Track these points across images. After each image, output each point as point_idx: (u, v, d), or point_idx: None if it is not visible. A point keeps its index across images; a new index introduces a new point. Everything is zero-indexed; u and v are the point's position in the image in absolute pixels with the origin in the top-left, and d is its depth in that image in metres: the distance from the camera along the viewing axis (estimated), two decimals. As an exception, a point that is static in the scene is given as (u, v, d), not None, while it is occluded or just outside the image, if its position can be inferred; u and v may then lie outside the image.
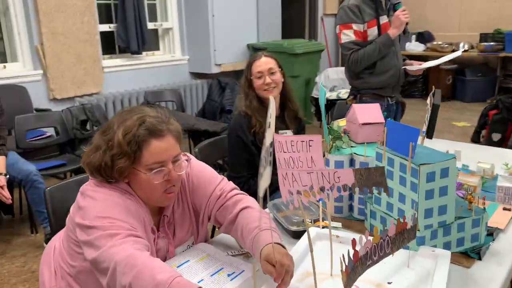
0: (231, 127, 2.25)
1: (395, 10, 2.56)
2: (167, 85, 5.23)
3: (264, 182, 0.97)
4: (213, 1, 5.25)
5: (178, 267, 1.31)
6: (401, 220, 1.15)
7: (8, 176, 2.91)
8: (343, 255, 0.97)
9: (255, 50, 5.65)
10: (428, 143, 1.61)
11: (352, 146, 1.65)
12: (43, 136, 3.71)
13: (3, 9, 4.16)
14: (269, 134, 0.94)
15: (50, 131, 3.80)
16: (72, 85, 4.46)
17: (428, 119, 1.58)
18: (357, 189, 1.12)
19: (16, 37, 4.17)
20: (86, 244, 1.19)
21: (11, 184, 2.96)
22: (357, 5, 2.54)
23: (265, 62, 2.19)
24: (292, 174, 1.06)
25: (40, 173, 3.01)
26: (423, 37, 7.54)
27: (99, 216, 1.19)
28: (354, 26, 2.53)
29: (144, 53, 5.23)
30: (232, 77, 5.45)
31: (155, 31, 5.49)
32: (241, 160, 2.21)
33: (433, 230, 1.34)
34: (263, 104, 2.21)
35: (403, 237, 1.18)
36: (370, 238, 1.07)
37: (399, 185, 1.36)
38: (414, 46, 7.41)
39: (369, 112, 1.71)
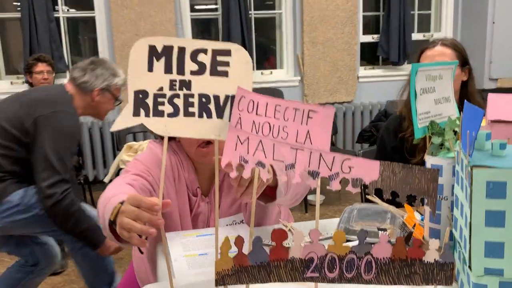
0: (382, 127, 1.92)
1: None
2: (426, 99, 4.81)
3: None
4: (494, 6, 4.50)
5: (197, 236, 1.26)
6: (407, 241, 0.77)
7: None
8: (238, 236, 0.74)
9: (550, 64, 4.52)
10: None
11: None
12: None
13: (279, 23, 4.80)
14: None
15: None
16: (325, 92, 4.70)
17: None
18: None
19: (284, 47, 4.74)
20: None
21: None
22: None
23: (438, 53, 1.74)
24: (261, 142, 0.86)
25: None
26: None
27: (134, 159, 1.32)
28: None
29: (408, 64, 4.99)
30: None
31: (426, 42, 5.14)
32: None
33: (506, 282, 0.81)
34: None
35: (412, 270, 0.77)
36: (326, 242, 0.76)
37: (465, 200, 0.89)
38: None
39: (510, 106, 1.16)
